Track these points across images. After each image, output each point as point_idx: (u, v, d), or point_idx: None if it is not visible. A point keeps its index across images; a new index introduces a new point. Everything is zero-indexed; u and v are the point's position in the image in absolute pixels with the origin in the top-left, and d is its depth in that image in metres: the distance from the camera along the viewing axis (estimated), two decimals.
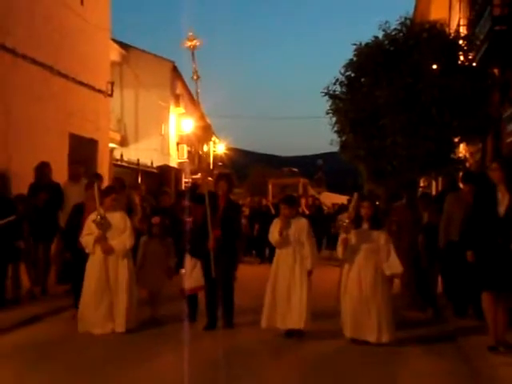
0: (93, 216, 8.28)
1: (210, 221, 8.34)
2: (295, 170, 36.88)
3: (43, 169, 10.92)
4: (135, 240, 8.74)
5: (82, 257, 8.62)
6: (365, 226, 7.88)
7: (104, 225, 8.18)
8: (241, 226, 9.40)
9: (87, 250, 8.28)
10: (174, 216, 9.84)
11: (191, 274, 8.87)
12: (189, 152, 33.75)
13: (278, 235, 8.07)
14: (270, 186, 32.98)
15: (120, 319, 8.14)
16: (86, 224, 8.35)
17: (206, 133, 15.77)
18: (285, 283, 8.05)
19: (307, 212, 19.15)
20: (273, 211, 17.82)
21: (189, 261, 8.93)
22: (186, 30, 8.66)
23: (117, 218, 8.37)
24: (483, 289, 7.15)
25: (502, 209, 6.93)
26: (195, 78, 8.81)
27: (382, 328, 7.54)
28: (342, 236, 7.81)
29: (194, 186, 9.21)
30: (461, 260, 7.80)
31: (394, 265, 7.71)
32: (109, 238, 8.22)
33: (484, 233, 7.09)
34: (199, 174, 33.91)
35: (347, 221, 7.86)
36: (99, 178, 10.72)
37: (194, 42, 8.53)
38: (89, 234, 8.26)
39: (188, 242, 9.04)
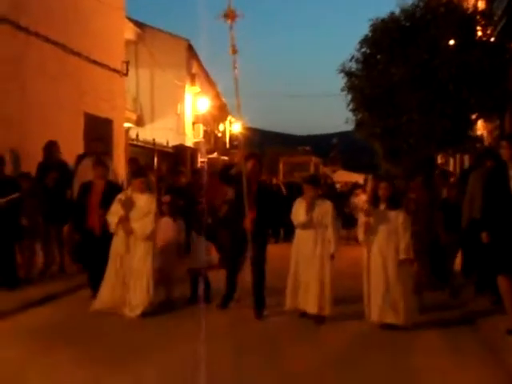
0: (119, 195, 8.23)
1: (245, 202, 7.91)
2: (308, 148, 36.44)
3: (51, 148, 10.66)
4: None
5: (91, 237, 8.52)
6: (382, 206, 7.57)
7: (128, 205, 8.09)
8: (274, 209, 8.77)
9: (110, 229, 8.16)
10: (190, 196, 9.67)
11: (201, 253, 8.69)
12: (205, 131, 33.59)
13: (305, 215, 7.73)
14: (280, 165, 32.63)
15: (136, 302, 7.95)
16: (114, 202, 8.21)
17: (222, 112, 15.53)
18: (306, 266, 7.77)
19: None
20: (284, 191, 17.45)
21: (199, 240, 8.75)
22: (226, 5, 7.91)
23: (143, 200, 8.19)
24: (499, 272, 6.87)
25: None
26: (231, 52, 8.15)
27: (408, 310, 7.27)
28: (363, 219, 7.51)
29: (229, 166, 8.87)
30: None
31: (406, 249, 7.41)
32: (132, 220, 8.08)
33: (497, 212, 6.80)
34: (215, 153, 33.94)
35: (367, 204, 7.64)
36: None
37: (234, 13, 7.91)
38: (114, 214, 8.13)
39: (210, 222, 9.01)
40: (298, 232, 7.97)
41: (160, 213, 8.90)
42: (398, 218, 7.47)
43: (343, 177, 33.91)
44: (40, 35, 12.60)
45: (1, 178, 9.20)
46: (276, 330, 7.49)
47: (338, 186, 26.73)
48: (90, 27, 14.94)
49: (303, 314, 7.81)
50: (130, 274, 8.05)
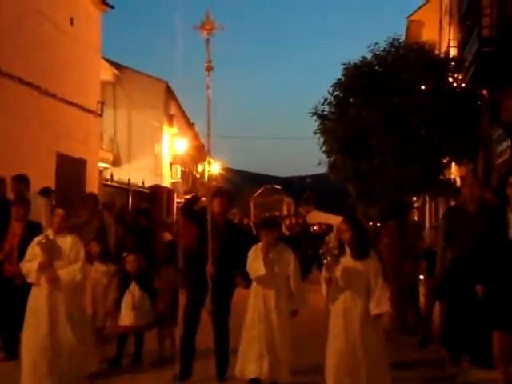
0: (38, 237, 6.76)
1: (208, 244, 6.93)
2: (278, 187, 35.93)
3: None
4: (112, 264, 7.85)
5: (9, 287, 7.57)
6: (348, 254, 6.31)
7: (50, 248, 6.63)
8: (243, 251, 7.39)
9: (30, 280, 6.67)
10: (149, 235, 9.07)
11: (140, 308, 7.60)
12: (182, 172, 33.50)
13: (264, 268, 6.60)
14: (251, 205, 31.93)
15: (67, 372, 6.50)
16: (29, 247, 6.81)
17: (201, 153, 15.30)
18: (263, 326, 6.66)
19: (287, 233, 18.62)
20: (254, 231, 17.00)
21: (137, 292, 7.65)
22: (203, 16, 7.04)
23: (67, 243, 6.76)
24: (494, 328, 6.07)
25: None
26: (206, 69, 7.26)
27: (378, 380, 6.12)
28: (325, 275, 6.26)
29: (193, 199, 7.81)
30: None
31: (380, 303, 6.17)
32: (56, 267, 6.60)
33: (494, 262, 5.99)
34: (192, 193, 33.62)
35: (329, 258, 6.34)
36: (50, 192, 9.58)
37: (210, 26, 7.06)
38: (32, 260, 6.65)
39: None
40: (255, 286, 6.83)
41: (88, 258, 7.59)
42: (368, 269, 6.23)
43: (317, 218, 33.61)
44: (14, 76, 12.48)
45: None
46: None
47: (315, 227, 26.57)
48: (66, 68, 14.90)
49: (256, 381, 6.66)
50: (60, 336, 6.50)
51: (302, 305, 6.86)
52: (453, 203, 9.61)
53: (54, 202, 9.67)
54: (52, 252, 6.62)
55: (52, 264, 6.59)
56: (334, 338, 6.22)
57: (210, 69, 7.26)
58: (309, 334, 7.15)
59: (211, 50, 7.21)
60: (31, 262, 6.64)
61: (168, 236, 9.11)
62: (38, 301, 6.58)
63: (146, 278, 7.87)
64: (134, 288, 7.66)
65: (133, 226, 9.88)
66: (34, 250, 6.68)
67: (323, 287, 6.33)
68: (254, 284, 6.85)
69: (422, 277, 10.67)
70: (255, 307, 6.76)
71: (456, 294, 7.64)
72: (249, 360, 6.66)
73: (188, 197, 9.13)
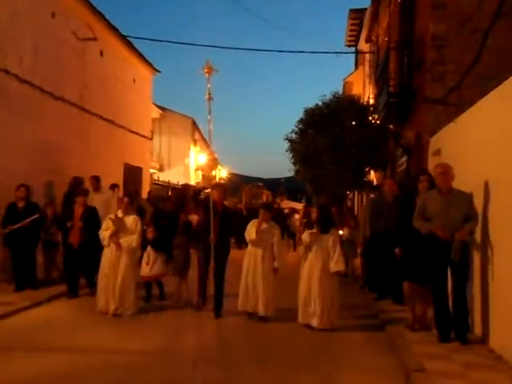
0: (111, 215, 6.65)
1: (211, 221, 6.46)
2: (261, 184, 36.15)
3: (78, 182, 9.05)
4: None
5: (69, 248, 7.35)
6: (315, 228, 6.03)
7: (118, 223, 6.49)
8: (234, 226, 7.24)
9: (103, 243, 6.53)
10: (174, 217, 8.25)
11: (155, 263, 7.11)
12: (203, 175, 33.50)
13: (255, 235, 6.26)
14: (243, 195, 32.36)
15: (122, 298, 6.40)
16: (105, 221, 6.67)
17: (214, 163, 15.43)
18: (253, 277, 6.28)
19: None
20: (244, 212, 16.28)
21: (152, 252, 7.15)
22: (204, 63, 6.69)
23: (129, 220, 6.58)
24: (404, 279, 5.69)
25: None
26: (208, 98, 6.72)
27: (324, 316, 5.82)
28: (305, 242, 6.03)
29: (198, 192, 7.67)
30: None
31: (338, 264, 5.90)
32: (121, 236, 6.48)
33: (409, 233, 5.54)
34: (209, 189, 33.62)
35: (298, 224, 6.32)
36: (116, 187, 9.50)
37: (210, 70, 6.64)
38: (106, 230, 6.55)
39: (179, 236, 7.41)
40: (250, 247, 6.45)
41: None
42: (328, 240, 5.96)
43: (287, 204, 33.81)
44: (97, 115, 12.56)
45: (28, 204, 7.68)
46: (229, 326, 6.21)
47: (285, 210, 26.63)
48: (130, 109, 14.97)
49: (251, 314, 6.33)
50: (116, 279, 6.39)
51: (281, 264, 6.36)
52: (371, 195, 9.65)
53: (118, 193, 9.54)
54: (119, 226, 6.46)
55: (118, 234, 6.44)
56: (302, 284, 6.04)
57: (210, 98, 6.74)
58: (289, 281, 6.66)
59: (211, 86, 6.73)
60: (105, 232, 6.51)
61: (185, 217, 8.33)
62: (106, 257, 6.49)
63: (159, 243, 7.20)
64: (150, 250, 7.14)
65: (160, 209, 9.72)
66: (108, 224, 6.51)
67: (301, 249, 6.11)
68: (249, 246, 6.48)
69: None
70: (249, 263, 6.36)
71: (374, 254, 7.41)
72: (246, 301, 6.33)
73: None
